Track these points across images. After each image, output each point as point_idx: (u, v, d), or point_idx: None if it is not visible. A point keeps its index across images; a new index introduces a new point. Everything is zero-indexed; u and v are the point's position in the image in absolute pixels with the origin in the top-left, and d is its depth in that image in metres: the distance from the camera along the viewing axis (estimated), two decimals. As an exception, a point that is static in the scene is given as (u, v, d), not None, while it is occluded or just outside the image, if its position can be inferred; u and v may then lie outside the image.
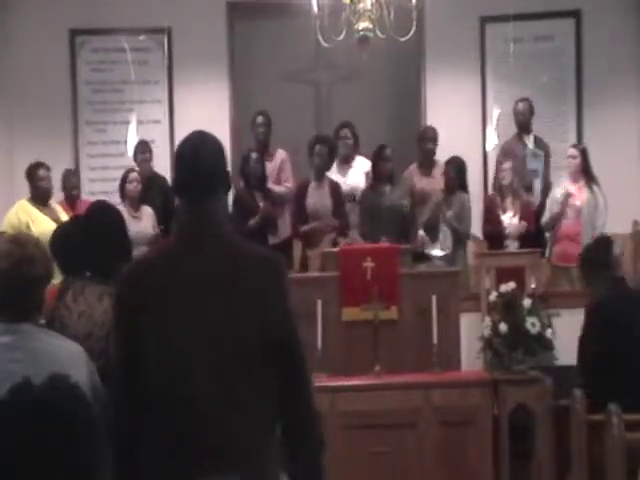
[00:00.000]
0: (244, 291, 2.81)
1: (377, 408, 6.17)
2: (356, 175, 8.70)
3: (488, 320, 6.60)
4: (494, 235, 8.22)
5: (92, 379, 3.16)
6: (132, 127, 9.70)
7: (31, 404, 2.20)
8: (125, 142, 9.68)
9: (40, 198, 8.01)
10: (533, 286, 6.91)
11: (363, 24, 7.31)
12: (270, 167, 8.67)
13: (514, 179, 8.30)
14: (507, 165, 8.35)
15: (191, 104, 9.52)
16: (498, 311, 6.57)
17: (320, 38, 7.47)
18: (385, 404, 6.19)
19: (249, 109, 9.46)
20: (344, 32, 7.37)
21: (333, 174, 8.58)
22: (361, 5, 7.30)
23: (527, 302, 6.52)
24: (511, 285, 6.61)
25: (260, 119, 8.84)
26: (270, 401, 2.82)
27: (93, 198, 8.37)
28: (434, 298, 6.49)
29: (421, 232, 8.06)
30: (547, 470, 6.12)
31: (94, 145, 9.71)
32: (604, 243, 5.89)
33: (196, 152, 2.91)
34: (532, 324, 6.44)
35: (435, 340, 6.41)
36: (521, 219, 8.17)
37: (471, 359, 6.80)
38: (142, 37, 9.71)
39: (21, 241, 3.21)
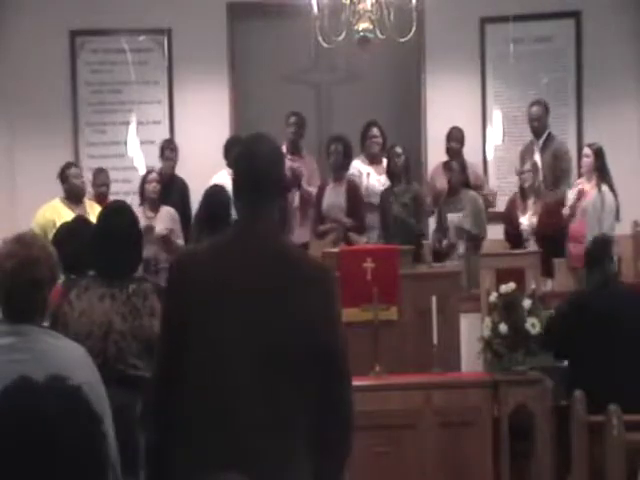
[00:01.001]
0: (291, 298, 2.81)
1: (377, 408, 6.15)
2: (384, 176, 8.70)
3: (488, 321, 6.59)
4: (512, 236, 8.27)
5: (95, 381, 3.15)
6: (132, 128, 9.70)
7: (29, 405, 2.20)
8: (125, 143, 9.69)
9: (74, 196, 8.05)
10: (533, 286, 6.91)
11: (363, 25, 7.31)
12: (302, 168, 8.67)
13: (536, 180, 8.33)
14: (527, 167, 8.38)
15: (191, 104, 9.51)
16: (498, 312, 6.56)
17: (320, 39, 7.48)
18: (385, 405, 6.18)
19: (249, 109, 9.46)
20: (344, 33, 7.37)
21: (369, 174, 8.58)
22: (361, 6, 7.30)
23: (527, 303, 6.52)
24: (511, 285, 6.61)
25: (293, 119, 8.85)
26: (306, 411, 2.80)
27: (110, 198, 8.41)
28: (434, 298, 6.48)
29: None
30: (547, 470, 6.12)
31: (94, 146, 9.71)
32: (602, 242, 6.27)
33: (253, 155, 2.94)
34: (532, 325, 6.43)
35: (435, 340, 6.40)
36: (540, 219, 8.19)
37: (471, 360, 6.79)
38: (142, 38, 9.71)
39: (26, 242, 3.19)
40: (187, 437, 2.78)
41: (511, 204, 8.51)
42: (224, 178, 7.30)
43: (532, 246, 8.12)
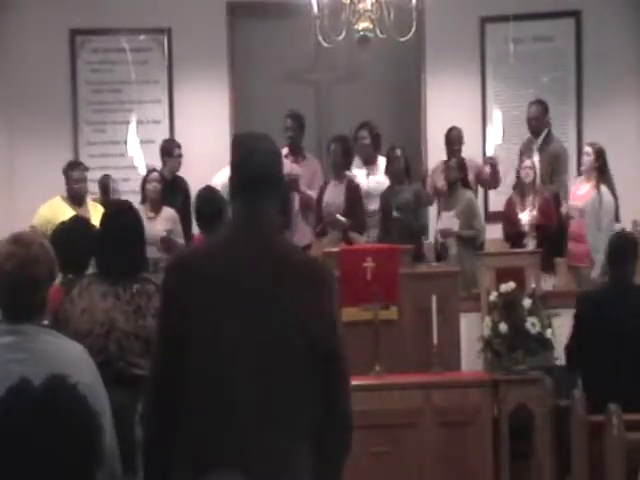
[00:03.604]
0: (290, 297, 2.81)
1: (377, 408, 6.15)
2: (381, 175, 8.67)
3: (488, 320, 6.59)
4: (513, 235, 8.25)
5: (94, 379, 3.15)
6: (132, 127, 9.70)
7: (30, 404, 2.20)
8: (125, 142, 9.69)
9: (73, 198, 8.01)
10: (533, 286, 6.91)
11: (363, 24, 7.31)
12: (302, 170, 8.63)
13: (535, 176, 8.31)
14: (528, 162, 8.36)
15: (191, 104, 9.51)
16: (498, 311, 6.56)
17: (320, 38, 7.48)
18: (385, 404, 6.18)
19: (249, 109, 9.46)
20: (344, 32, 7.37)
21: (362, 175, 8.58)
22: (361, 5, 7.30)
23: (527, 302, 6.52)
24: (511, 285, 6.61)
25: (288, 122, 8.74)
26: (306, 411, 2.80)
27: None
28: (434, 298, 6.48)
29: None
30: (547, 470, 6.12)
31: (94, 145, 9.70)
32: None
33: (250, 155, 2.94)
34: (532, 324, 6.44)
35: (435, 340, 6.40)
36: (539, 212, 8.17)
37: (471, 359, 6.79)
38: (142, 37, 9.71)
39: (25, 242, 3.19)
40: (187, 437, 2.77)
41: (509, 203, 8.49)
42: (226, 176, 7.28)
43: (531, 244, 8.11)
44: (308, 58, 9.74)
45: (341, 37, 7.40)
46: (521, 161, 8.51)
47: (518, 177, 8.44)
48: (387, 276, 6.72)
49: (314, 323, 2.80)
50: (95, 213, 7.83)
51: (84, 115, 9.71)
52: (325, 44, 7.54)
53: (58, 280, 4.48)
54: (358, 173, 8.63)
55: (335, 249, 7.35)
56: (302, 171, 8.64)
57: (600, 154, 8.16)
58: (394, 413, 6.16)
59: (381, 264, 6.75)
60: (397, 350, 6.60)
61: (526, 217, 8.21)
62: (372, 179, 8.60)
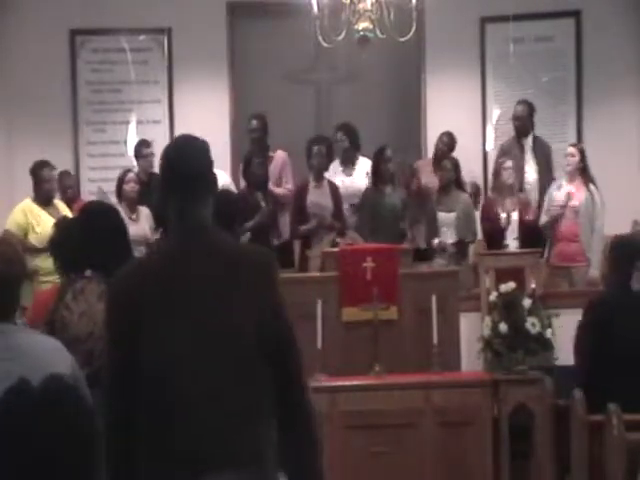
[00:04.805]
0: (237, 290, 2.83)
1: (377, 408, 6.16)
2: (360, 176, 8.69)
3: (488, 320, 6.60)
4: (493, 233, 8.22)
5: (75, 372, 3.13)
6: (132, 127, 9.70)
7: (30, 404, 2.20)
8: (125, 142, 9.68)
9: (43, 198, 8.00)
10: (533, 286, 6.91)
11: (363, 24, 7.31)
12: (270, 168, 8.66)
13: (515, 178, 8.31)
14: (509, 164, 8.35)
15: (191, 104, 9.52)
16: (498, 311, 6.57)
17: (320, 38, 7.48)
18: (385, 404, 6.19)
19: (249, 109, 9.46)
20: (344, 32, 7.38)
21: (338, 176, 8.58)
22: (361, 5, 7.30)
23: (527, 302, 6.52)
24: (511, 285, 6.61)
25: (254, 123, 8.81)
26: (266, 400, 2.82)
27: (92, 198, 8.41)
28: (434, 298, 6.49)
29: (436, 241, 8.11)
30: (547, 470, 6.12)
31: (94, 145, 9.70)
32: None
33: (180, 155, 2.94)
34: (532, 324, 6.44)
35: (435, 340, 6.41)
36: (520, 215, 8.16)
37: (471, 359, 6.79)
38: (142, 37, 9.71)
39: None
40: (150, 443, 2.77)
41: (488, 202, 8.48)
42: (222, 178, 7.29)
43: (512, 244, 8.09)
44: (308, 58, 9.74)
45: (341, 37, 7.40)
46: (502, 161, 8.48)
47: (497, 177, 8.41)
48: (387, 276, 6.72)
49: (262, 316, 2.82)
50: (66, 211, 7.85)
51: (84, 115, 9.70)
52: (325, 44, 7.54)
53: (57, 280, 4.48)
54: (336, 173, 8.63)
55: (335, 249, 7.36)
56: (270, 169, 8.63)
57: (584, 154, 8.17)
58: (394, 413, 6.16)
59: (381, 264, 6.75)
60: (397, 350, 6.60)
61: (506, 217, 8.19)
62: (349, 180, 8.60)
